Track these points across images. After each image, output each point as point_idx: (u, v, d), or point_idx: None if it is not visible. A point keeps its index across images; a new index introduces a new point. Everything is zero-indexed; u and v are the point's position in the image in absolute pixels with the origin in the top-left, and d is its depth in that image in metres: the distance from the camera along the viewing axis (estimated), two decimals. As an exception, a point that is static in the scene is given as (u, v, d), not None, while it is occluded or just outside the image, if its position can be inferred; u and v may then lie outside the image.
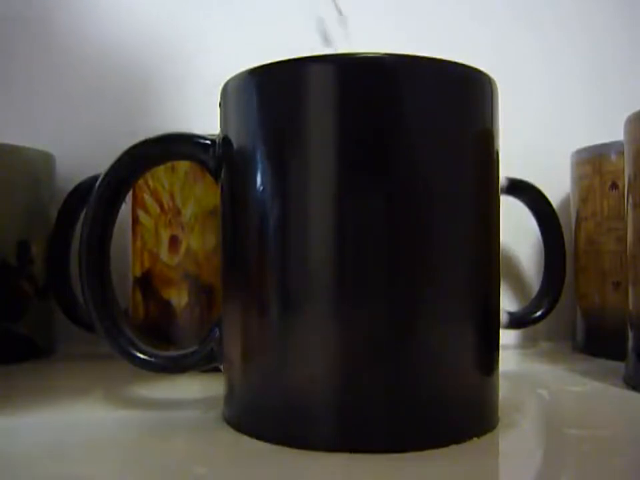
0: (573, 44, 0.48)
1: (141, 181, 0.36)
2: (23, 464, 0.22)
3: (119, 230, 0.28)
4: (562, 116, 0.47)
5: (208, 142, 0.25)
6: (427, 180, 0.22)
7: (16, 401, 0.30)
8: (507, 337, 0.41)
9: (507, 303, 0.45)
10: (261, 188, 0.23)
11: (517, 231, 0.45)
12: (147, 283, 0.37)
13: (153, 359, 0.26)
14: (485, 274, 0.24)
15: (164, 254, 0.36)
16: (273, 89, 0.23)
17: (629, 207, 0.31)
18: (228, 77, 0.25)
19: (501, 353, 0.25)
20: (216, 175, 0.26)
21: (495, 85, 0.25)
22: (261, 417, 0.23)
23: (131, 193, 0.37)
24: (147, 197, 0.36)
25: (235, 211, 0.24)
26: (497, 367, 0.25)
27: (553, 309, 0.42)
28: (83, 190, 0.40)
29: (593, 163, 0.40)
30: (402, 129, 0.22)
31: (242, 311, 0.24)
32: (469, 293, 0.23)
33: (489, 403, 0.24)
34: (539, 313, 0.42)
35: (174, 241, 0.36)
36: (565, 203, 0.46)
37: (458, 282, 0.23)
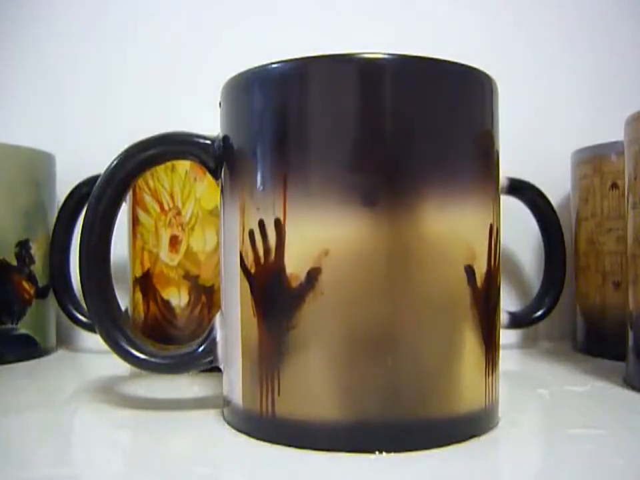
0: (573, 44, 0.48)
1: (140, 181, 0.36)
2: (23, 464, 0.22)
3: (119, 230, 0.28)
4: (562, 116, 0.47)
5: (208, 142, 0.25)
6: (427, 180, 0.22)
7: (16, 400, 0.30)
8: (507, 336, 0.41)
9: (507, 303, 0.45)
10: (261, 188, 0.23)
11: (517, 231, 0.45)
12: (146, 282, 0.37)
13: (152, 359, 0.26)
14: (486, 274, 0.24)
15: (164, 254, 0.36)
16: (273, 89, 0.23)
17: (629, 207, 0.31)
18: (228, 77, 0.25)
19: (501, 352, 0.25)
20: (216, 175, 0.26)
21: (495, 84, 0.25)
22: (261, 416, 0.23)
23: (130, 192, 0.37)
24: (147, 197, 0.36)
25: (234, 211, 0.24)
26: (497, 367, 0.25)
27: (553, 308, 0.42)
28: (83, 190, 0.40)
29: (593, 163, 0.40)
30: (402, 129, 0.22)
31: (241, 310, 0.24)
32: (470, 293, 0.23)
33: (489, 402, 0.24)
34: (539, 313, 0.42)
35: (174, 241, 0.36)
36: (565, 202, 0.46)
37: (460, 282, 0.23)
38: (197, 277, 0.36)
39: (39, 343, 0.40)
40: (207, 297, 0.36)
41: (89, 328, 0.39)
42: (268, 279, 0.23)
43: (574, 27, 0.48)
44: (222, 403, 0.26)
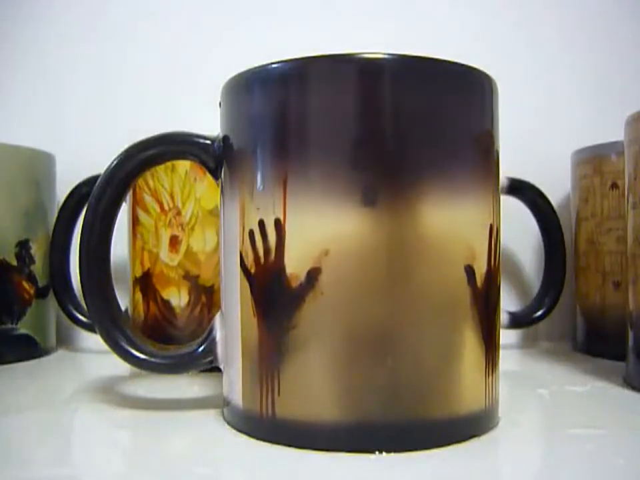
0: (573, 44, 0.48)
1: (140, 181, 0.36)
2: (23, 464, 0.22)
3: (119, 230, 0.28)
4: (562, 116, 0.47)
5: (208, 142, 0.25)
6: (427, 180, 0.22)
7: (16, 400, 0.30)
8: (507, 336, 0.41)
9: (507, 303, 0.45)
10: (261, 188, 0.23)
11: (517, 231, 0.45)
12: (146, 282, 0.37)
13: (152, 359, 0.26)
14: (486, 274, 0.24)
15: (164, 254, 0.36)
16: (273, 89, 0.23)
17: (629, 207, 0.31)
18: (228, 77, 0.25)
19: (501, 352, 0.25)
20: (216, 175, 0.26)
21: (495, 84, 0.25)
22: (260, 417, 0.23)
23: (130, 192, 0.37)
24: (147, 197, 0.36)
25: (234, 211, 0.24)
26: (497, 367, 0.25)
27: (553, 308, 0.42)
28: (83, 190, 0.40)
29: (593, 163, 0.40)
30: (402, 129, 0.22)
31: (241, 310, 0.24)
32: (470, 293, 0.23)
33: (489, 402, 0.24)
34: (539, 313, 0.42)
35: (174, 241, 0.36)
36: (565, 202, 0.46)
37: (460, 282, 0.23)
38: (197, 277, 0.36)
39: (39, 343, 0.40)
40: (207, 297, 0.36)
41: (89, 328, 0.39)
42: (268, 279, 0.23)
43: (574, 27, 0.48)
44: (222, 403, 0.26)
